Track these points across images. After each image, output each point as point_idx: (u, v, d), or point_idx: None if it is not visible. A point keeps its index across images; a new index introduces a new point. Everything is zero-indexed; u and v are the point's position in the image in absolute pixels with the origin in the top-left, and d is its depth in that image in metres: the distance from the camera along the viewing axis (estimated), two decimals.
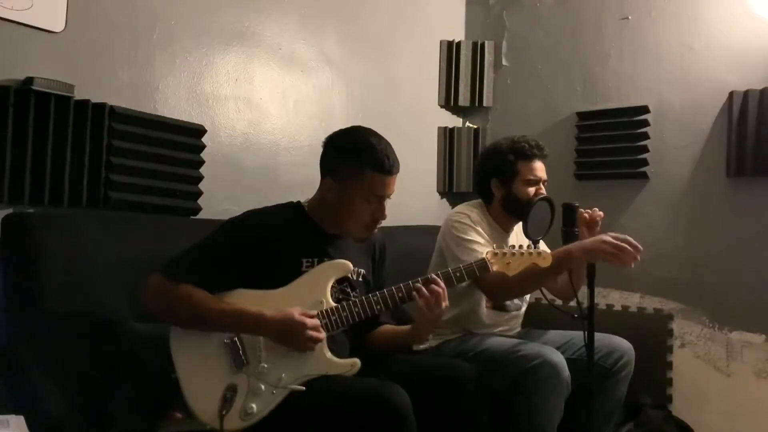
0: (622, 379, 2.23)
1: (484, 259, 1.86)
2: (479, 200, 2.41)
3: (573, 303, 2.12)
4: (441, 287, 1.76)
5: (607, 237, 1.96)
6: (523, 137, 2.35)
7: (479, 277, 2.07)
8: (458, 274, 1.83)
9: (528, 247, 1.91)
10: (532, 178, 2.29)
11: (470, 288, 2.22)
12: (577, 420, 2.07)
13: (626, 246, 1.94)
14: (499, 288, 2.14)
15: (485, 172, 2.38)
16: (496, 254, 1.87)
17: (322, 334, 1.66)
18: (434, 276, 1.78)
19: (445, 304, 1.76)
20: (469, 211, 2.32)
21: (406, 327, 1.90)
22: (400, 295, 1.77)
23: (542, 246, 2.10)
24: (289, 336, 1.64)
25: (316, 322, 1.66)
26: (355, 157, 1.77)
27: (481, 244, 2.18)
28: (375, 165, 1.75)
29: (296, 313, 1.64)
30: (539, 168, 2.31)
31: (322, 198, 1.84)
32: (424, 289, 1.75)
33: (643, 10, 3.05)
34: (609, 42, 3.14)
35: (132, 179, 2.12)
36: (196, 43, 2.41)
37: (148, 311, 1.72)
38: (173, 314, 1.67)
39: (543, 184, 2.32)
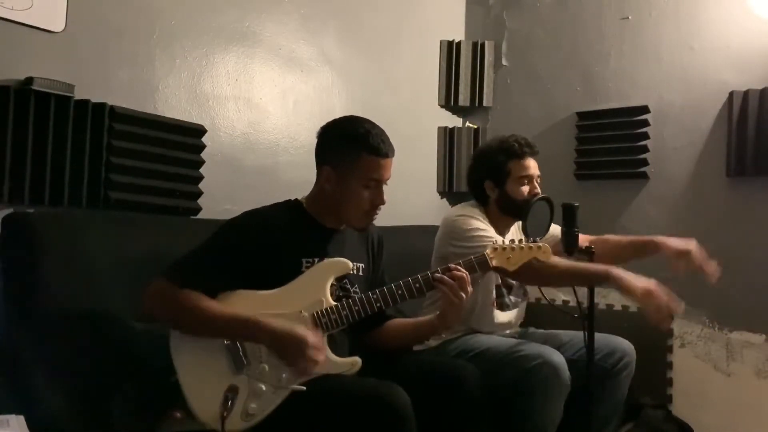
0: (622, 379, 2.23)
1: (483, 254, 1.86)
2: (474, 201, 2.41)
3: (573, 303, 2.12)
4: (463, 272, 1.77)
5: (659, 288, 1.93)
6: (512, 136, 2.35)
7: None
8: None
9: (528, 241, 1.91)
10: (524, 175, 2.29)
11: (475, 287, 2.23)
12: (577, 420, 2.07)
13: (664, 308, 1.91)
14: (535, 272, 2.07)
15: (478, 175, 2.38)
16: (495, 249, 1.87)
17: (322, 356, 1.65)
18: (453, 265, 1.79)
19: (470, 288, 1.77)
20: (468, 210, 2.32)
21: (427, 317, 1.91)
22: (399, 292, 1.77)
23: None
24: (287, 351, 1.63)
25: (319, 343, 1.64)
26: (352, 143, 1.78)
27: (487, 230, 2.18)
28: (371, 149, 1.77)
29: (301, 329, 1.64)
30: (531, 165, 2.31)
31: (320, 189, 1.85)
32: (446, 277, 1.76)
33: (643, 10, 3.06)
34: (609, 42, 3.14)
35: (132, 179, 2.12)
36: (196, 43, 2.41)
37: (151, 316, 1.72)
38: (176, 320, 1.67)
39: (537, 180, 2.32)
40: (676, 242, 2.19)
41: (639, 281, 1.95)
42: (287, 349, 1.63)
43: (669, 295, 1.92)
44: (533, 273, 2.02)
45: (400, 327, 1.94)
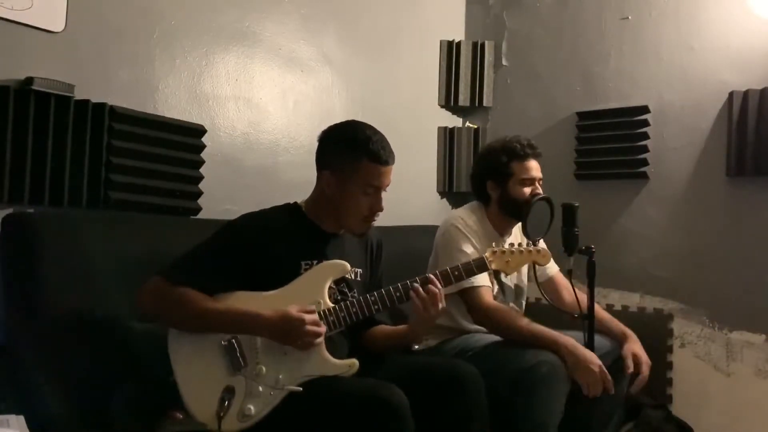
0: (622, 379, 2.23)
1: (483, 257, 1.87)
2: (477, 203, 2.42)
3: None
4: (438, 287, 1.76)
5: (601, 365, 2.00)
6: (515, 137, 2.36)
7: (470, 297, 2.16)
8: (456, 273, 1.83)
9: (527, 244, 1.91)
10: (526, 177, 2.30)
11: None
12: (577, 419, 2.07)
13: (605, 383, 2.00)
14: (485, 320, 2.20)
15: (481, 175, 2.39)
16: (495, 252, 1.87)
17: (323, 328, 1.65)
18: (431, 276, 1.78)
19: (441, 304, 1.76)
20: (467, 216, 2.33)
21: (402, 327, 1.90)
22: (398, 294, 1.77)
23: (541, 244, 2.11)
24: (287, 334, 1.63)
25: (314, 317, 1.65)
26: (352, 149, 1.78)
27: (469, 255, 2.19)
28: (371, 155, 1.76)
29: (293, 309, 1.64)
30: (533, 167, 2.32)
31: (319, 193, 1.85)
32: (420, 289, 1.75)
33: (643, 10, 3.05)
34: (609, 42, 3.14)
35: (132, 179, 2.12)
36: (196, 43, 2.41)
37: (145, 312, 1.73)
38: (170, 315, 1.67)
39: (538, 182, 2.33)
40: (639, 349, 2.26)
41: (586, 355, 1.99)
42: (285, 332, 1.63)
43: (605, 376, 2.00)
44: (494, 323, 2.16)
45: (380, 333, 1.93)
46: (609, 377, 2.00)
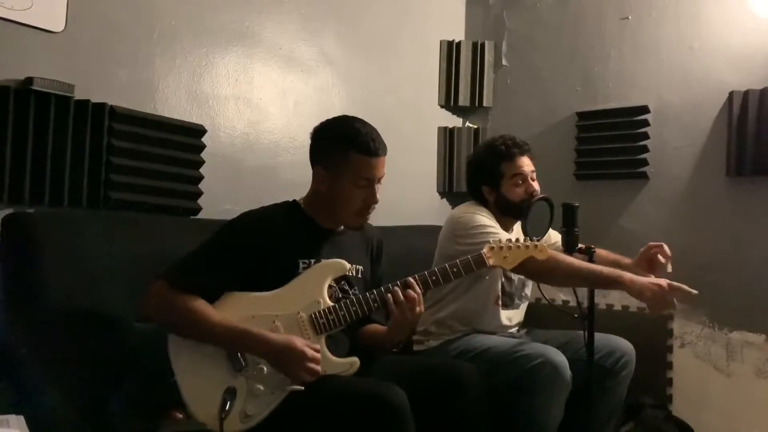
0: (622, 379, 2.23)
1: (480, 254, 1.86)
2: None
3: (573, 303, 2.13)
4: (417, 292, 1.74)
5: (668, 283, 1.93)
6: (499, 138, 2.37)
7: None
8: (455, 270, 1.83)
9: (525, 240, 1.91)
10: (517, 173, 2.30)
11: (478, 286, 2.24)
12: (578, 420, 2.07)
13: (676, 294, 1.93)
14: (548, 272, 2.07)
15: (474, 181, 2.40)
16: (492, 248, 1.87)
17: (319, 368, 1.64)
18: (411, 280, 1.76)
19: (419, 309, 1.74)
20: (474, 210, 2.32)
21: (383, 329, 1.89)
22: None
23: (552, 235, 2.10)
24: (285, 362, 1.63)
25: (316, 355, 1.64)
26: (341, 143, 1.78)
27: (494, 226, 2.20)
28: (360, 148, 1.76)
29: (299, 341, 1.63)
30: (523, 163, 2.32)
31: (315, 190, 1.86)
32: (400, 293, 1.74)
33: (643, 10, 3.05)
34: (609, 42, 3.14)
35: (132, 179, 2.12)
36: (196, 43, 2.41)
37: (149, 319, 1.72)
38: (174, 325, 1.67)
39: (531, 177, 2.32)
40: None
41: (650, 283, 1.94)
42: (285, 361, 1.63)
43: (672, 294, 1.92)
44: (547, 270, 2.01)
45: (368, 332, 1.93)
46: (670, 298, 1.92)
